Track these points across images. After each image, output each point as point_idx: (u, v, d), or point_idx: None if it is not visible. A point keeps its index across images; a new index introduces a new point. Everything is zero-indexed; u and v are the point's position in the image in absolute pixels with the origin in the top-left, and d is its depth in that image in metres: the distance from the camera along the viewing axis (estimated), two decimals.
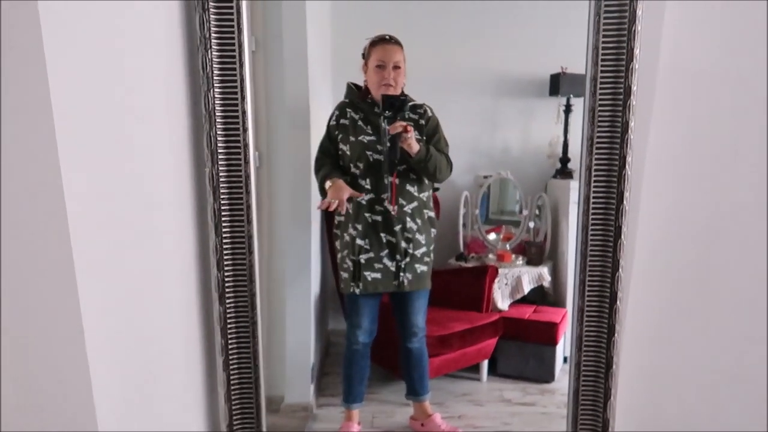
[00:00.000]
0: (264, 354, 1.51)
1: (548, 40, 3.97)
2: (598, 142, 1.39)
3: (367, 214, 2.49)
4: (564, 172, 3.78)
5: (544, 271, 3.63)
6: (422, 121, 2.54)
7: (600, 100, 1.37)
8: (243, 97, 1.36)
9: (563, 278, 3.65)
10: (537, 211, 3.89)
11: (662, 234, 1.46)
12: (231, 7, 1.31)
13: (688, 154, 1.42)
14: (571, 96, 3.81)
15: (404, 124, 2.32)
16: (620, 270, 1.40)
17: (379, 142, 2.45)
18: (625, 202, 1.40)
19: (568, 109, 3.83)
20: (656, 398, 1.48)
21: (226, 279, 1.42)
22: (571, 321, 1.55)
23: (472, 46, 4.01)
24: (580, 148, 3.90)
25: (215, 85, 1.33)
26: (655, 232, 1.45)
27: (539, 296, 3.82)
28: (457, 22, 4.00)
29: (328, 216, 3.50)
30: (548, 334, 3.37)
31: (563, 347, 3.54)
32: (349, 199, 2.49)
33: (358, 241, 2.51)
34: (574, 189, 3.54)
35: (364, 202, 2.48)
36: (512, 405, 3.24)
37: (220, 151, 1.35)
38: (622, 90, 1.34)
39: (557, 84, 3.78)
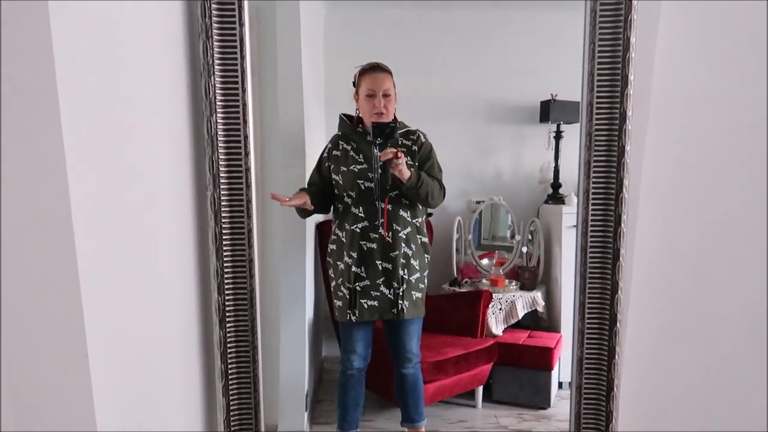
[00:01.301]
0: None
1: (538, 68, 4.05)
2: (595, 166, 1.42)
3: (361, 242, 2.48)
4: (556, 198, 3.82)
5: (538, 295, 3.64)
6: (415, 147, 2.53)
7: (596, 124, 1.40)
8: (245, 122, 1.37)
9: (557, 303, 3.66)
10: (529, 236, 3.92)
11: (659, 255, 1.48)
12: (234, 34, 1.33)
13: (683, 177, 1.44)
14: (561, 122, 3.88)
15: (394, 150, 2.31)
16: (619, 292, 1.42)
17: (371, 169, 2.45)
18: (622, 224, 1.42)
19: (558, 135, 3.89)
20: (657, 420, 1.48)
21: (227, 303, 1.42)
22: (571, 344, 1.56)
23: (464, 74, 4.09)
24: (572, 173, 3.97)
25: (218, 110, 1.35)
26: (651, 253, 1.47)
27: (533, 321, 3.83)
28: (449, 51, 4.07)
29: (322, 243, 3.51)
30: (543, 359, 3.37)
31: (558, 373, 3.53)
32: (344, 227, 2.51)
33: (354, 269, 2.49)
34: (566, 214, 3.58)
35: (358, 230, 2.47)
36: (508, 431, 3.22)
37: (222, 175, 1.37)
38: (617, 115, 1.36)
39: (547, 110, 3.84)
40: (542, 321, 3.82)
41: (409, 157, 2.48)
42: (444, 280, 3.88)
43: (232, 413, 1.44)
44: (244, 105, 1.38)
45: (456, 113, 4.05)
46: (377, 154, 2.42)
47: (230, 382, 1.43)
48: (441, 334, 3.47)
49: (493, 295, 3.58)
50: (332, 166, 2.54)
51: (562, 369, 3.58)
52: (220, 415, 1.45)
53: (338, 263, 2.56)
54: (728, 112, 1.41)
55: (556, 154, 3.88)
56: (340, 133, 2.61)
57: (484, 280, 3.80)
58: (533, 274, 3.76)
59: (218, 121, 1.36)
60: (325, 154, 2.59)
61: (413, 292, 2.54)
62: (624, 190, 1.39)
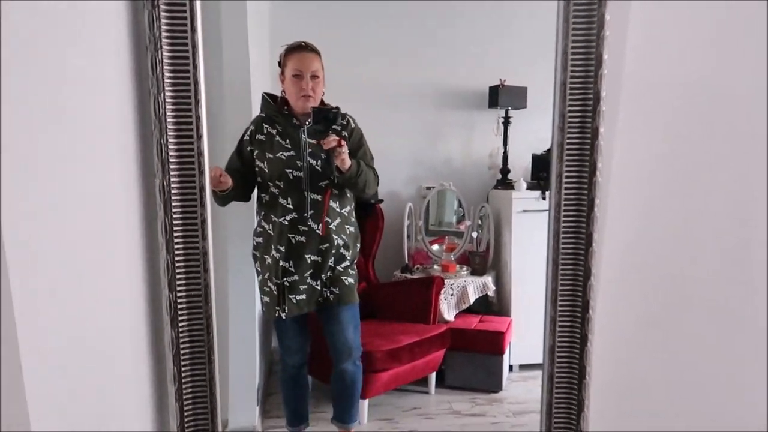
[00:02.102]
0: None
1: (486, 53, 4.01)
2: (568, 149, 1.35)
3: (290, 235, 2.27)
4: (505, 183, 3.80)
5: (489, 280, 3.61)
6: (345, 133, 2.33)
7: (569, 105, 1.33)
8: (197, 101, 1.22)
9: (507, 287, 3.65)
10: (479, 222, 3.89)
11: (631, 241, 1.43)
12: (184, 4, 1.18)
13: (656, 160, 1.40)
14: (510, 108, 3.86)
15: (338, 138, 2.13)
16: (592, 278, 1.36)
17: (300, 157, 2.26)
18: (595, 209, 1.36)
19: (507, 121, 3.86)
20: (630, 408, 1.44)
21: (179, 300, 1.27)
22: (543, 331, 1.50)
23: (412, 60, 4.00)
24: (521, 159, 3.97)
25: (166, 88, 1.20)
26: (624, 239, 1.43)
27: (483, 306, 3.81)
28: (397, 37, 3.98)
29: None
30: (495, 343, 3.35)
31: (509, 356, 3.53)
32: (271, 219, 2.30)
33: (282, 263, 2.29)
34: (516, 199, 3.56)
35: (286, 223, 2.26)
36: (462, 416, 3.19)
37: (171, 160, 1.22)
38: (591, 96, 1.30)
39: (496, 96, 3.81)
40: (493, 305, 3.80)
41: None
42: (395, 267, 3.80)
43: (186, 419, 1.31)
44: (196, 83, 1.23)
45: (405, 100, 3.96)
46: (306, 140, 2.26)
47: (184, 386, 1.29)
48: (394, 321, 3.39)
49: (445, 281, 3.53)
50: (256, 152, 2.30)
51: (513, 352, 3.58)
52: (173, 422, 1.32)
53: (265, 257, 2.36)
54: (703, 94, 1.37)
55: (504, 139, 3.85)
56: (263, 114, 2.36)
57: (435, 266, 3.75)
58: (483, 259, 3.73)
59: (167, 100, 1.21)
60: (247, 137, 2.33)
61: (343, 278, 2.38)
62: (597, 173, 1.33)
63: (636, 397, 1.46)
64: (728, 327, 1.42)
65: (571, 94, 1.32)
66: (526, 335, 3.60)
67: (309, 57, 2.26)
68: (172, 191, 1.23)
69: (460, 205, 3.90)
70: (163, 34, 1.18)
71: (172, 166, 1.22)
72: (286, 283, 2.31)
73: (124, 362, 1.25)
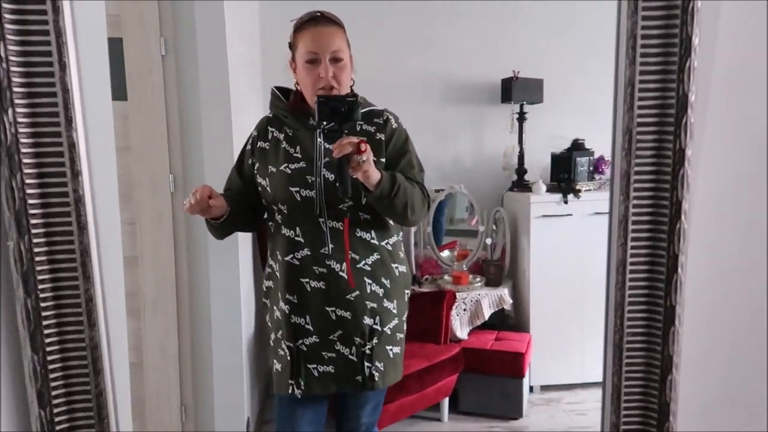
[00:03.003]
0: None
1: (499, 42, 3.50)
2: (637, 183, 0.87)
3: (303, 280, 1.54)
4: (521, 185, 3.30)
5: (505, 292, 3.14)
6: (381, 136, 1.57)
7: (640, 117, 0.86)
8: (69, 120, 0.75)
9: (525, 300, 3.18)
10: (493, 227, 3.41)
11: (722, 271, 0.94)
12: None
13: (747, 152, 0.90)
14: (524, 102, 3.35)
15: (355, 140, 1.35)
16: (678, 279, 0.85)
17: (311, 170, 1.53)
18: (683, 216, 0.85)
19: (521, 117, 3.36)
20: None
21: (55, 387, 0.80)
22: (603, 360, 0.97)
23: (417, 51, 3.49)
24: (538, 158, 3.44)
25: (17, 102, 0.73)
26: (710, 245, 0.92)
27: (499, 320, 3.34)
28: (400, 23, 3.47)
29: (262, 248, 2.89)
30: (514, 366, 2.87)
31: (529, 377, 3.07)
32: (277, 257, 1.58)
33: (295, 319, 1.56)
34: (535, 203, 3.07)
35: (296, 262, 1.54)
36: None
37: (33, 211, 0.76)
38: (673, 100, 0.82)
39: (509, 89, 3.30)
40: (509, 319, 3.33)
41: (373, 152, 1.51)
42: None
43: None
44: (66, 91, 0.76)
45: (409, 94, 3.45)
46: (321, 145, 1.53)
47: None
48: None
49: (457, 294, 3.06)
50: (257, 165, 1.61)
51: (533, 372, 3.12)
52: None
53: (274, 308, 1.63)
54: None
55: (520, 137, 3.35)
56: (271, 114, 1.67)
57: (446, 276, 3.28)
58: (499, 268, 3.25)
59: (18, 120, 0.75)
60: (248, 147, 1.66)
61: (388, 348, 1.59)
62: (686, 163, 0.81)
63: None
64: None
65: (642, 99, 0.84)
66: (546, 353, 3.14)
67: (328, 32, 1.53)
68: (36, 260, 0.77)
69: (471, 209, 3.42)
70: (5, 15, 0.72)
71: (34, 222, 0.76)
72: (302, 347, 1.57)
73: None
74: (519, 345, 2.97)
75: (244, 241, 2.56)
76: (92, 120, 1.10)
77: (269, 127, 1.62)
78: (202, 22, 2.30)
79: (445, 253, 3.43)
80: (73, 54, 0.75)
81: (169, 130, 2.30)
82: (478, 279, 3.22)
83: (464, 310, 3.09)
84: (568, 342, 3.13)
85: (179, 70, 2.32)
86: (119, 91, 2.27)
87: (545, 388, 3.18)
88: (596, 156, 3.26)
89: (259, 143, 1.62)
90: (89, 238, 0.78)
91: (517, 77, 3.26)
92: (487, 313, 3.09)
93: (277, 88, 1.67)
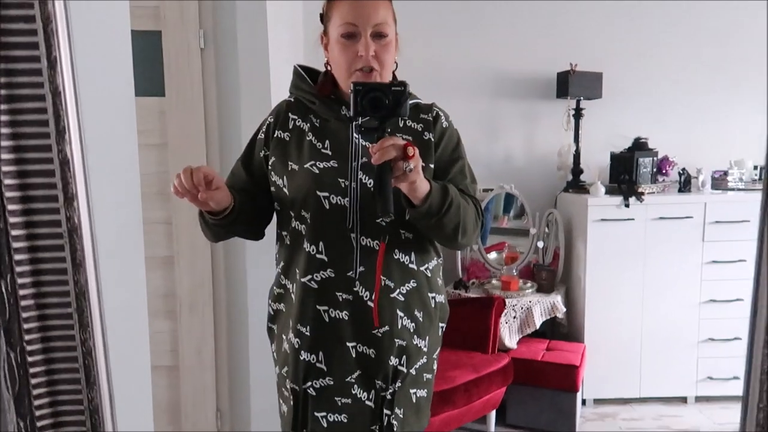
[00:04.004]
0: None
1: (555, 33, 3.23)
2: None
3: (321, 308, 1.23)
4: (577, 186, 3.04)
5: (558, 300, 2.90)
6: (429, 135, 1.27)
7: None
8: (60, 130, 0.59)
9: (580, 308, 2.93)
10: (546, 230, 3.17)
11: None
12: None
13: None
14: (581, 98, 3.08)
15: (400, 141, 1.05)
16: None
17: (345, 172, 1.22)
18: None
19: (578, 113, 3.09)
20: None
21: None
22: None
23: (467, 41, 3.25)
24: (596, 158, 3.08)
25: None
26: None
27: (550, 328, 3.11)
28: (450, 14, 3.25)
29: None
30: (567, 378, 2.64)
31: (582, 390, 2.83)
32: (292, 275, 1.27)
33: (305, 356, 1.24)
34: (592, 206, 2.82)
35: (315, 285, 1.23)
36: None
37: (15, 232, 0.59)
38: None
39: (566, 84, 3.03)
40: (561, 327, 3.09)
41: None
42: (446, 282, 3.12)
43: None
44: (57, 94, 0.60)
45: (458, 87, 3.22)
46: (358, 142, 1.23)
47: None
48: (445, 350, 2.75)
49: (506, 300, 2.84)
50: (272, 159, 1.28)
51: (586, 384, 2.88)
52: None
53: (282, 338, 1.31)
54: None
55: (576, 135, 3.08)
56: (292, 99, 1.33)
57: (494, 281, 3.06)
58: (551, 274, 3.01)
59: None
60: (261, 135, 1.32)
61: (412, 391, 1.28)
62: None
63: None
64: None
65: None
66: (601, 364, 2.89)
67: (370, 3, 1.22)
68: (22, 304, 0.60)
69: (523, 210, 3.18)
70: None
71: (18, 258, 0.59)
72: (311, 392, 1.25)
73: None
74: (572, 356, 2.73)
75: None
76: (109, 123, 0.94)
77: (290, 114, 1.30)
78: (242, 13, 2.13)
79: (492, 255, 3.20)
80: (66, 47, 0.58)
81: (207, 126, 2.15)
82: (528, 284, 2.99)
83: (514, 317, 2.86)
84: (625, 354, 2.88)
85: (218, 64, 2.16)
86: (156, 87, 2.13)
87: (599, 401, 2.94)
88: (660, 156, 2.98)
89: (276, 132, 1.29)
90: (87, 277, 0.61)
91: (574, 70, 3.00)
92: (538, 321, 2.85)
93: (301, 67, 1.35)
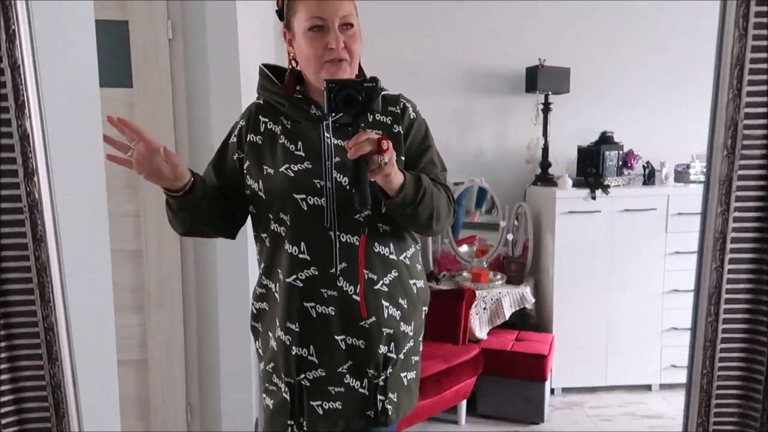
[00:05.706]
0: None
1: (524, 28, 3.28)
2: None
3: (308, 304, 1.25)
4: (546, 179, 3.10)
5: (527, 291, 2.95)
6: (398, 128, 1.29)
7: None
8: (27, 135, 0.58)
9: (548, 299, 2.99)
10: (515, 222, 3.21)
11: None
12: None
13: None
14: (550, 92, 3.14)
15: (374, 136, 1.09)
16: None
17: (319, 172, 1.24)
18: None
19: (546, 108, 3.15)
20: None
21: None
22: (686, 405, 0.79)
23: (440, 38, 3.28)
24: (564, 151, 3.15)
25: None
26: None
27: (520, 319, 3.16)
28: (423, 12, 3.27)
29: None
30: (536, 368, 2.69)
31: (550, 380, 2.89)
32: (276, 276, 1.28)
33: (297, 351, 1.27)
34: (560, 199, 2.87)
35: (300, 284, 1.25)
36: None
37: None
38: None
39: (534, 78, 3.09)
40: (530, 318, 3.14)
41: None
42: None
43: None
44: (17, 90, 0.59)
45: (430, 83, 3.24)
46: (330, 141, 1.24)
47: None
48: None
49: (477, 292, 2.88)
50: (247, 163, 1.29)
51: (554, 374, 2.94)
52: None
53: (268, 335, 1.33)
54: None
55: (544, 129, 3.14)
56: (261, 101, 1.34)
57: (464, 273, 3.10)
58: (520, 266, 3.06)
59: None
60: (234, 139, 1.32)
61: (403, 375, 1.32)
62: None
63: None
64: None
65: (753, 83, 0.65)
66: (569, 354, 2.95)
67: None
68: None
69: (493, 203, 3.22)
70: None
71: None
72: (305, 384, 1.29)
73: None
74: (541, 346, 2.78)
75: (251, 245, 2.39)
76: (74, 114, 0.94)
77: (261, 117, 1.31)
78: (211, 4, 2.11)
79: (464, 248, 3.24)
80: (25, 20, 0.58)
81: (175, 118, 2.13)
82: (498, 276, 3.04)
83: (484, 309, 2.90)
84: (592, 343, 2.95)
85: (187, 55, 2.14)
86: (124, 78, 2.10)
87: (567, 390, 3.00)
88: (625, 150, 3.04)
89: (249, 136, 1.30)
90: (48, 252, 0.61)
91: (542, 66, 3.05)
92: (507, 312, 2.90)
93: (266, 66, 1.33)
